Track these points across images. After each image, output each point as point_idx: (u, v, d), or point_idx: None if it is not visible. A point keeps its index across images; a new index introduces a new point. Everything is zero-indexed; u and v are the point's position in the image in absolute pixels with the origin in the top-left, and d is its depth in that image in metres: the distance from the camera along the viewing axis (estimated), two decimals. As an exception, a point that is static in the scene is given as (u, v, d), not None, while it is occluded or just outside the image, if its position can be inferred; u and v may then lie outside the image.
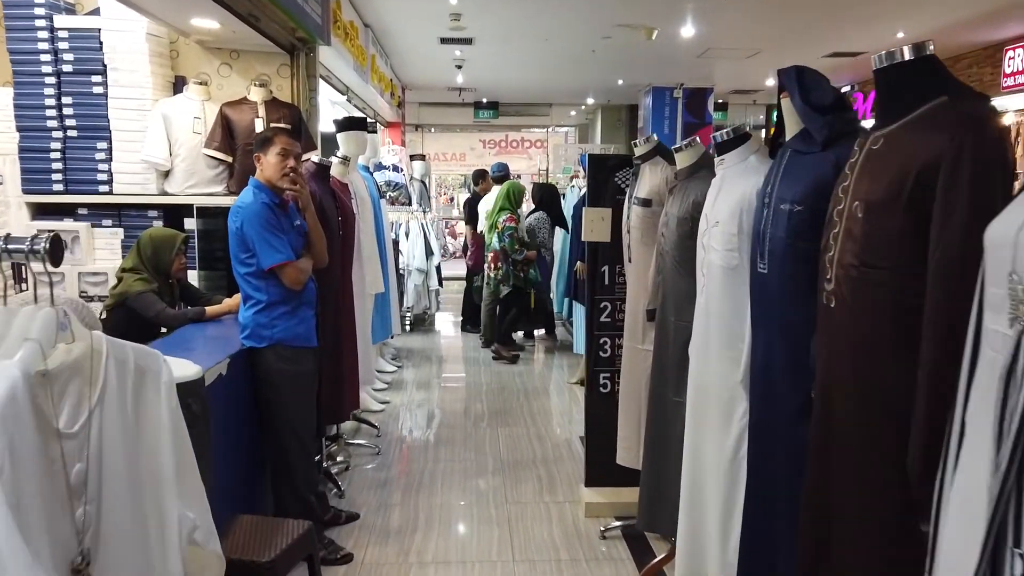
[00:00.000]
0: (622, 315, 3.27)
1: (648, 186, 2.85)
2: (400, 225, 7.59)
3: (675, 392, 2.43)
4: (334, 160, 3.84)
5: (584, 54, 8.25)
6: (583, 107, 14.94)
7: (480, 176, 7.85)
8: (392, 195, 9.09)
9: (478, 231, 6.61)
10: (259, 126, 4.04)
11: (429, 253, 7.60)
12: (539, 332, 7.29)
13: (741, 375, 1.95)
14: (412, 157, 9.78)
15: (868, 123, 1.63)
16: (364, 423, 4.48)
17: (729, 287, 2.01)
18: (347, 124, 4.59)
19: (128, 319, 3.14)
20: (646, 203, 2.84)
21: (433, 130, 17.34)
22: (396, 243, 6.98)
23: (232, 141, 4.06)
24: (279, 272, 2.58)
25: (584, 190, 5.66)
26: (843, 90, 10.15)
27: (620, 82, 10.11)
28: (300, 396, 2.70)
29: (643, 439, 2.70)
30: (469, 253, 6.46)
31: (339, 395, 3.55)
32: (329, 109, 6.56)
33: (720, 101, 12.14)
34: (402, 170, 9.17)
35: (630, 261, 2.99)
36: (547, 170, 15.93)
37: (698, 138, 2.60)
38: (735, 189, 2.03)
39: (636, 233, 2.89)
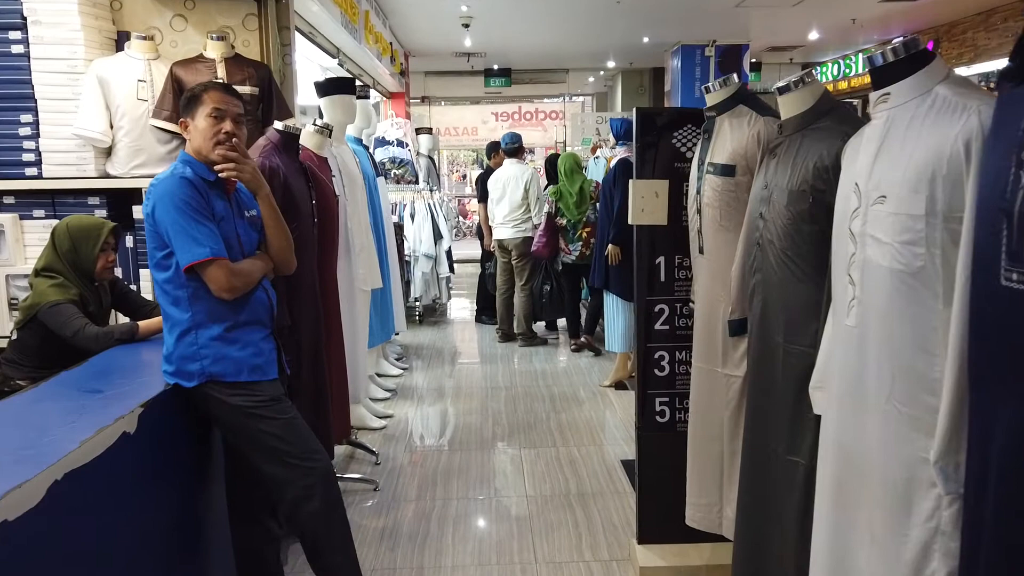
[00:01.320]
0: (683, 321, 2.51)
1: (730, 147, 2.08)
2: (404, 206, 6.84)
3: (789, 449, 1.68)
4: (307, 128, 3.08)
5: (606, 7, 7.39)
6: (601, 73, 14.03)
7: (494, 149, 7.06)
8: (397, 172, 8.40)
9: (546, 212, 5.80)
10: (217, 89, 3.29)
11: (438, 237, 6.86)
12: (562, 322, 6.56)
13: (937, 452, 1.19)
14: (418, 131, 9.01)
15: None
16: (359, 447, 3.77)
17: (907, 303, 1.24)
18: (330, 86, 3.83)
19: (44, 340, 2.44)
20: (727, 171, 2.07)
21: (443, 103, 16.53)
22: (400, 227, 6.23)
23: (185, 108, 3.31)
24: (201, 273, 1.85)
25: (615, 160, 4.86)
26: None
27: (645, 40, 9.23)
28: (273, 421, 1.97)
29: (735, 502, 1.95)
30: (541, 241, 5.63)
31: (323, 424, 2.83)
32: (317, 75, 5.77)
33: (752, 60, 11.20)
34: (407, 145, 8.45)
35: (701, 252, 2.23)
36: (564, 142, 15.11)
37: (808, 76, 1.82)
38: (918, 143, 1.26)
39: (712, 212, 2.13)
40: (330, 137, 3.39)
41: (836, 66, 11.24)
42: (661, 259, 2.48)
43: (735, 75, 2.29)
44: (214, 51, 3.34)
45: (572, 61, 11.82)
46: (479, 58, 10.47)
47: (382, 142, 8.33)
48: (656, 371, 2.55)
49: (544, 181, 6.03)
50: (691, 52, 9.25)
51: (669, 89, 9.95)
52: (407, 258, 6.75)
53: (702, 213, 2.17)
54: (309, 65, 6.06)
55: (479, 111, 17.10)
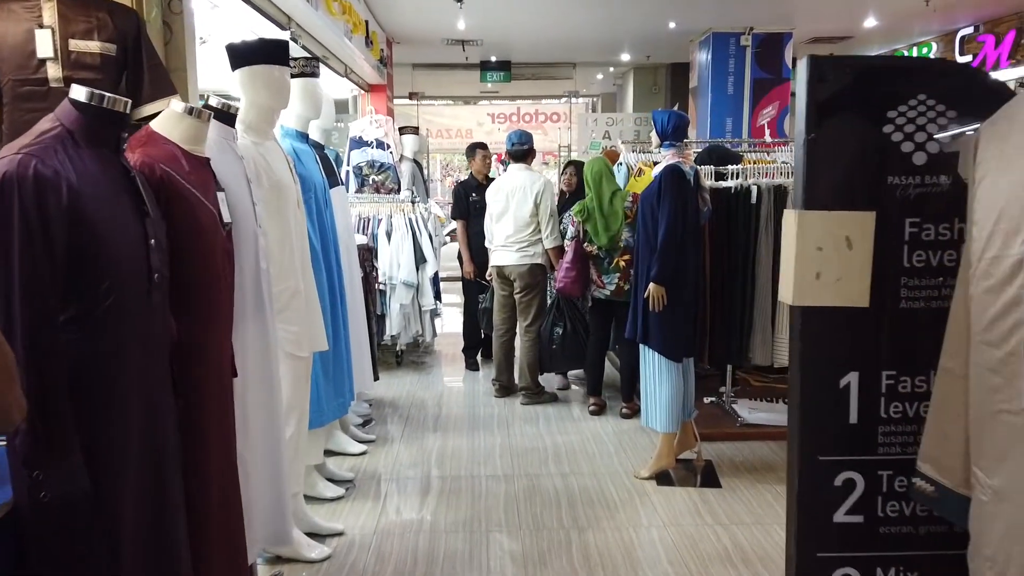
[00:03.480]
0: (898, 507, 1.27)
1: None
2: (380, 222, 5.61)
3: None
4: (171, 109, 1.84)
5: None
6: (611, 70, 12.84)
7: (472, 151, 5.87)
8: (377, 179, 7.22)
9: (571, 237, 4.57)
10: (42, 43, 2.07)
11: (421, 261, 5.62)
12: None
13: None
14: (402, 130, 7.82)
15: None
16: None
17: None
18: (248, 52, 2.63)
19: None
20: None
21: (435, 103, 15.32)
22: (370, 250, 4.99)
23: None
24: None
25: (658, 168, 3.64)
26: (965, 31, 8.06)
27: (672, 25, 8.04)
28: None
29: None
30: (569, 276, 4.44)
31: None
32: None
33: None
34: (389, 147, 7.24)
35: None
36: (569, 146, 13.92)
37: None
38: None
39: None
40: (231, 125, 2.16)
41: (883, 62, 10.07)
42: (852, 377, 1.24)
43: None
44: (39, -16, 2.13)
45: (580, 53, 10.62)
46: (475, 47, 9.27)
47: (359, 143, 7.18)
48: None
49: (553, 191, 4.80)
50: (724, 41, 8.07)
51: (695, 85, 8.77)
52: (381, 286, 5.52)
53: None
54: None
55: (474, 112, 15.90)
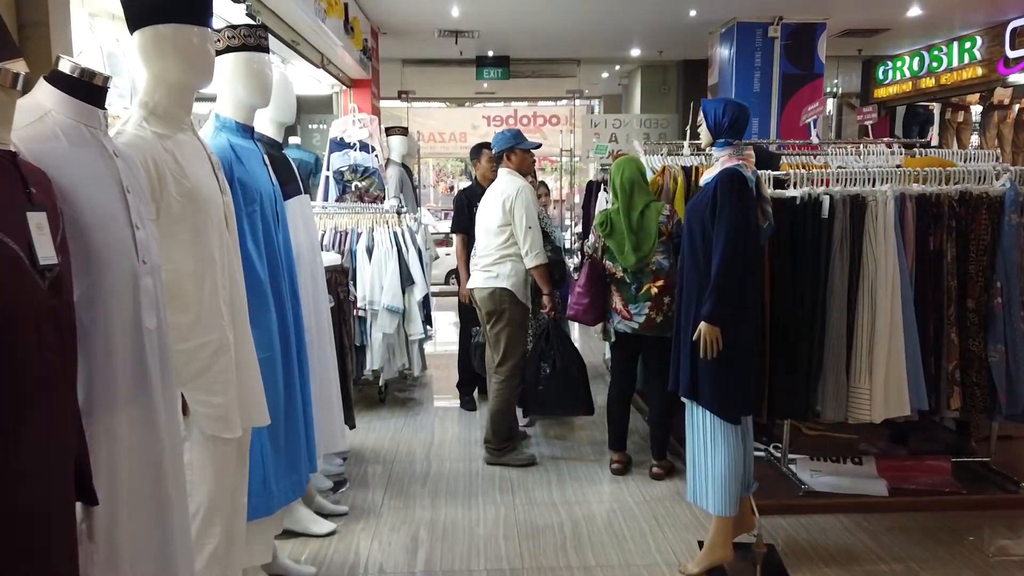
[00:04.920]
0: None
1: None
2: (359, 236, 4.86)
3: None
4: None
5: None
6: (617, 68, 12.15)
7: (477, 152, 5.07)
8: (360, 186, 6.55)
9: (588, 249, 3.85)
10: None
11: (408, 282, 4.87)
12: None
13: None
14: (389, 131, 7.10)
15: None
16: None
17: None
18: (151, 5, 1.87)
19: None
20: None
21: (427, 104, 14.61)
22: (344, 271, 4.23)
23: None
24: None
25: (709, 172, 2.88)
26: (1018, 23, 7.36)
27: (693, 13, 7.32)
28: None
29: None
30: (581, 304, 3.73)
31: None
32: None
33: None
34: (374, 150, 6.54)
35: None
36: (571, 151, 13.21)
37: None
38: None
39: None
40: (95, 104, 1.40)
41: (918, 59, 9.39)
42: None
43: None
44: None
45: (586, 48, 9.90)
46: (470, 39, 8.53)
47: (340, 145, 6.52)
48: None
49: (530, 197, 3.93)
50: (750, 33, 7.36)
51: (715, 82, 8.05)
52: (360, 313, 4.76)
53: None
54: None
55: (468, 114, 15.19)
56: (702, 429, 2.84)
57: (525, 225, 3.89)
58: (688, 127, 4.49)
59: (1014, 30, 7.43)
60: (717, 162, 2.76)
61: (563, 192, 14.72)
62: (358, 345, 4.77)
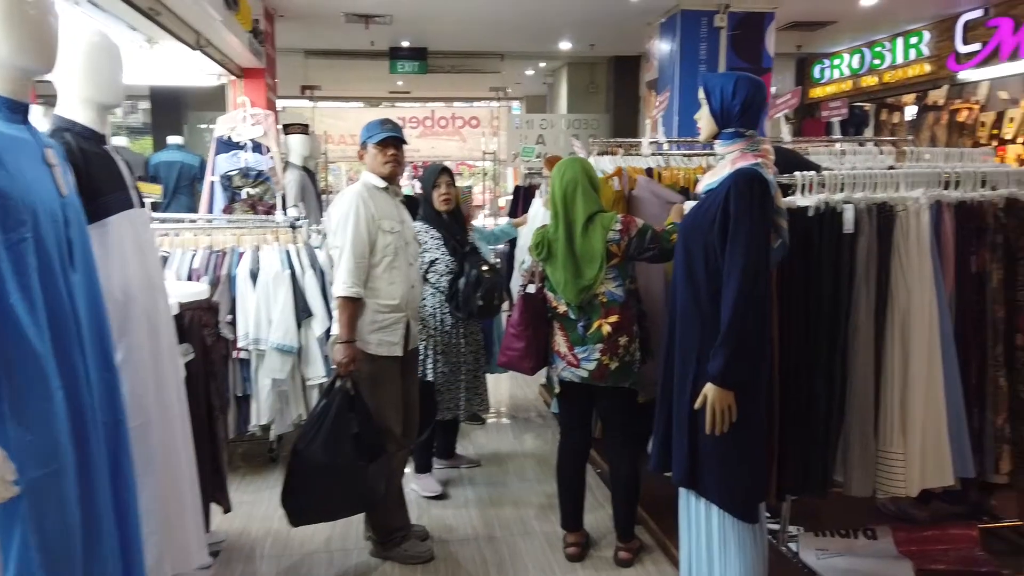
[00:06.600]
0: None
1: None
2: (239, 256, 3.90)
3: None
4: None
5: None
6: (542, 65, 11.49)
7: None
8: (252, 193, 5.71)
9: (523, 276, 2.99)
10: None
11: (304, 315, 3.93)
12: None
13: None
14: (287, 128, 6.19)
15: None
16: None
17: None
18: None
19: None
20: None
21: (341, 105, 13.54)
22: (212, 308, 3.27)
23: None
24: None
25: (714, 176, 2.08)
26: (971, 16, 7.03)
27: (634, 0, 6.64)
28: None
29: None
30: (516, 348, 2.93)
31: None
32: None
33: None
34: (268, 151, 5.65)
35: None
36: (494, 153, 12.45)
37: None
38: None
39: None
40: None
41: (858, 56, 9.07)
42: None
43: None
44: None
45: (512, 40, 9.15)
46: (382, 26, 7.62)
47: (228, 145, 5.69)
48: None
49: (360, 209, 2.85)
50: (695, 22, 6.76)
51: (655, 77, 7.43)
52: (242, 354, 3.81)
53: None
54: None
55: (382, 115, 14.25)
56: (707, 529, 2.09)
57: (341, 242, 2.88)
58: (648, 119, 3.76)
59: (967, 23, 7.10)
60: (725, 160, 2.01)
61: (486, 198, 13.97)
62: (239, 396, 3.82)
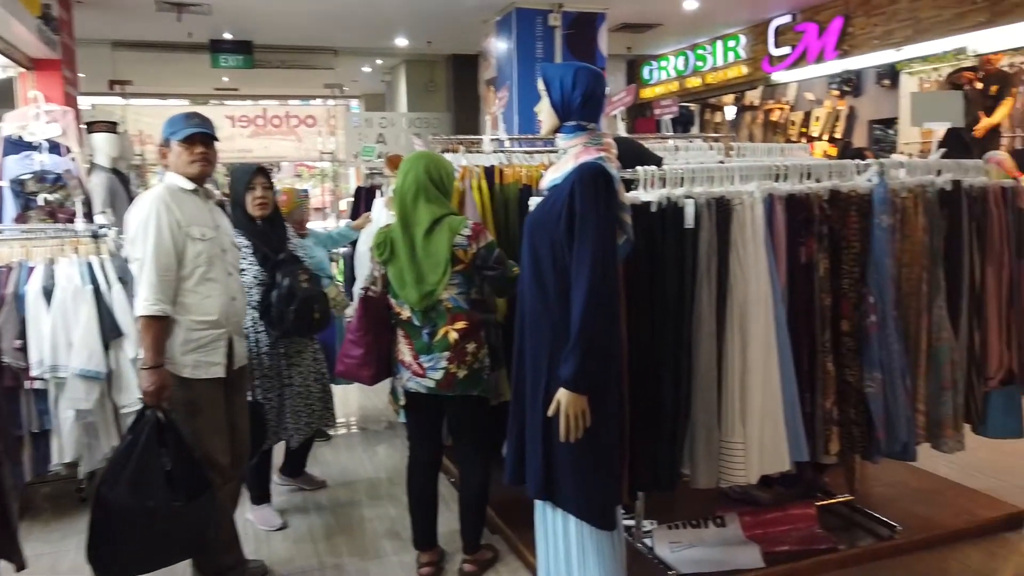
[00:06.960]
0: None
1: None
2: (29, 272, 3.40)
3: None
4: None
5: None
6: (379, 62, 11.19)
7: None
8: (51, 199, 5.16)
9: (365, 280, 2.71)
10: None
11: (113, 335, 3.48)
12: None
13: None
14: (91, 127, 5.54)
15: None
16: None
17: None
18: None
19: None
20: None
21: (164, 103, 12.46)
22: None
23: None
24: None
25: (557, 171, 1.99)
26: (781, 21, 7.57)
27: (467, -4, 6.57)
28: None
29: None
30: (354, 355, 2.69)
31: None
32: None
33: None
34: (69, 151, 5.05)
35: None
36: (332, 153, 11.99)
37: None
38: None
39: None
40: None
41: (683, 58, 9.53)
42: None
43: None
44: None
45: (344, 36, 8.81)
46: (197, 15, 7.05)
47: (18, 145, 5.12)
48: None
49: (162, 216, 2.51)
50: (530, 20, 6.80)
51: (494, 75, 7.40)
52: (38, 384, 3.32)
53: None
54: None
55: (206, 113, 13.31)
56: (564, 539, 2.00)
57: (140, 253, 2.53)
58: (489, 116, 3.66)
59: (778, 28, 7.63)
60: (568, 154, 1.92)
61: (326, 200, 13.44)
62: (34, 432, 3.33)
